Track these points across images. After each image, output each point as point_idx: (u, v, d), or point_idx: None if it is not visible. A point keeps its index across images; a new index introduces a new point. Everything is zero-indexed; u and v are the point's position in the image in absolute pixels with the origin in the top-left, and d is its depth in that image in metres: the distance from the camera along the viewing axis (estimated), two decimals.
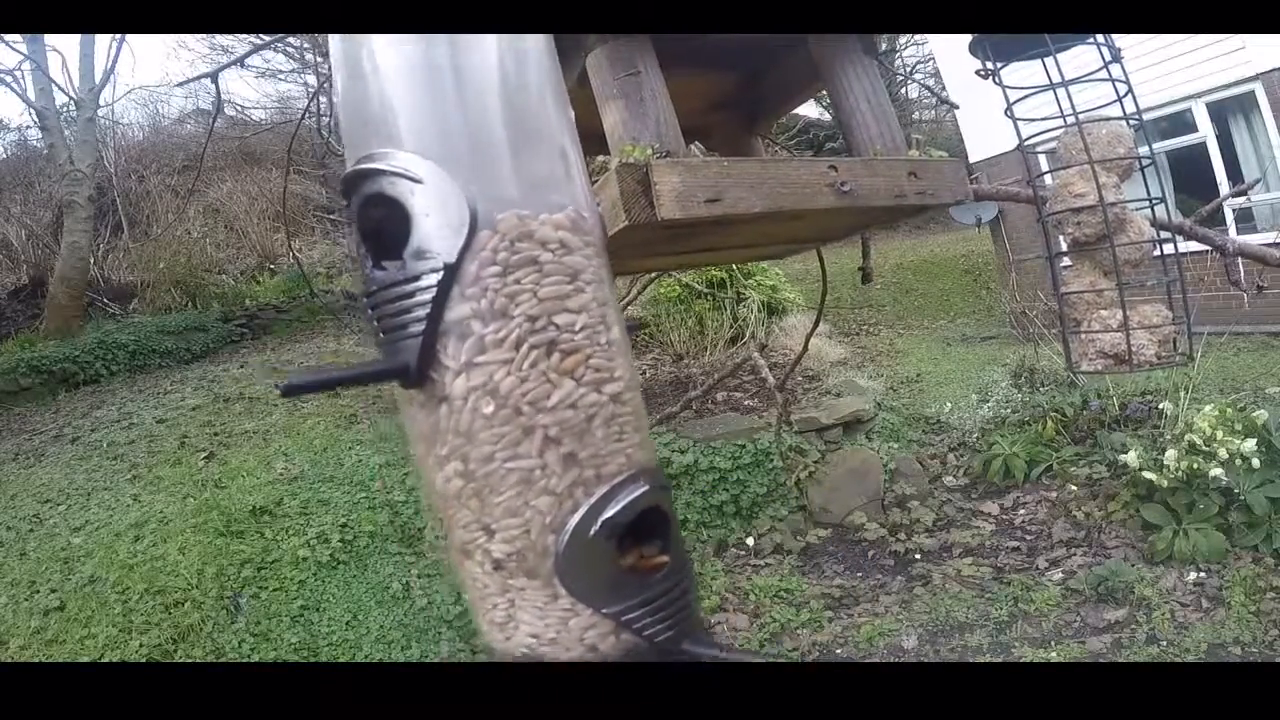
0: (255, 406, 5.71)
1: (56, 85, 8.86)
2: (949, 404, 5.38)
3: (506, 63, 0.48)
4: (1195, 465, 3.31)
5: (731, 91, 1.01)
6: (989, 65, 1.03)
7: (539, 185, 0.47)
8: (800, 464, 4.39)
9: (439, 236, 0.44)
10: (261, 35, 7.79)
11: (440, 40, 0.47)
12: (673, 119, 0.72)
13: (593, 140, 0.73)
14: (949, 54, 8.40)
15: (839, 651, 3.23)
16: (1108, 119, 1.04)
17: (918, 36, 12.39)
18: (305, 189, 11.59)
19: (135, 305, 9.06)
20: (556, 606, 0.46)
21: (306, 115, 3.11)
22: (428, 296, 0.44)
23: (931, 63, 12.06)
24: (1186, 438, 3.38)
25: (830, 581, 3.79)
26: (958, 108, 7.32)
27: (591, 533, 0.46)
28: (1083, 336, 1.05)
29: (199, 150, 11.02)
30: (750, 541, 4.12)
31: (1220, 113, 6.91)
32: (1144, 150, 1.05)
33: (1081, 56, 1.02)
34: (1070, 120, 1.00)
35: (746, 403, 5.24)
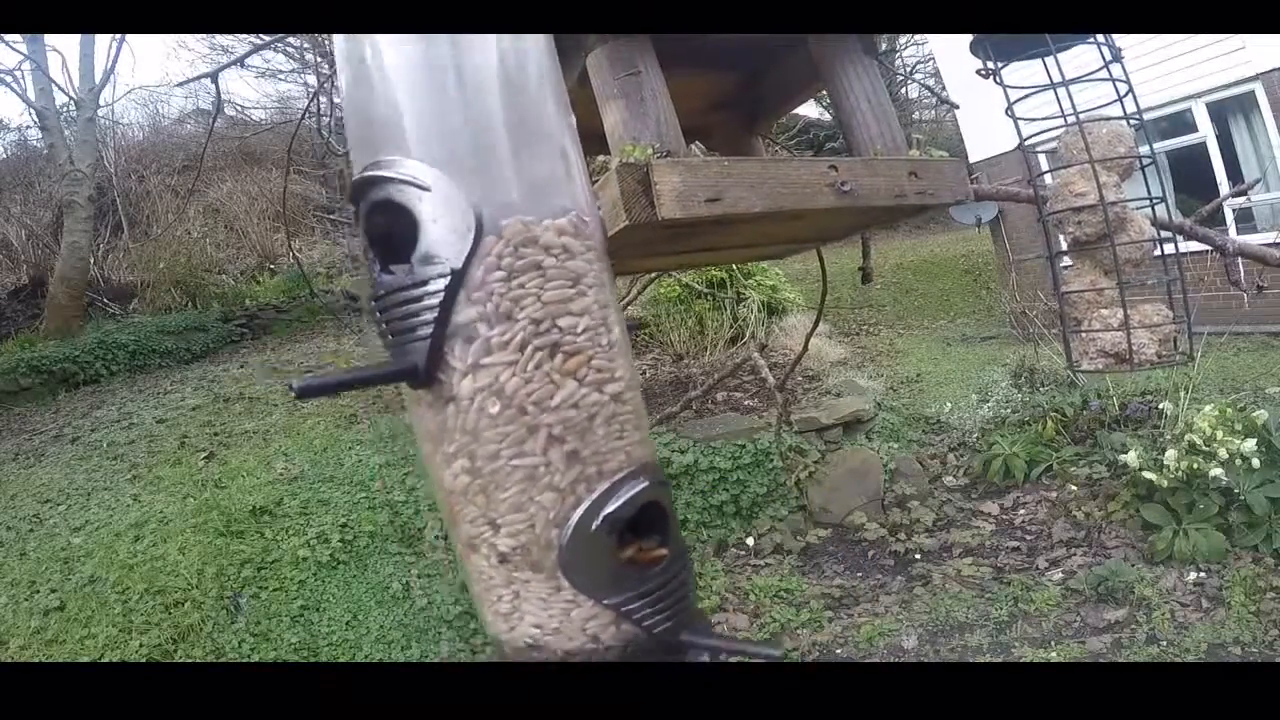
0: (255, 406, 5.71)
1: (56, 85, 8.87)
2: (949, 404, 5.38)
3: (507, 62, 0.49)
4: (1195, 465, 3.31)
5: (732, 91, 1.01)
6: (990, 65, 1.03)
7: (540, 186, 0.48)
8: (800, 464, 4.39)
9: (446, 242, 0.45)
10: (261, 35, 7.78)
11: (442, 41, 0.47)
12: (673, 119, 0.72)
13: (593, 140, 0.73)
14: (949, 54, 8.40)
15: (839, 651, 3.23)
16: (1108, 118, 1.04)
17: (918, 36, 12.39)
18: (305, 189, 11.58)
19: (135, 305, 9.06)
20: (559, 598, 0.48)
21: (306, 115, 3.10)
22: (435, 300, 0.45)
23: (931, 63, 12.06)
24: (1186, 438, 3.38)
25: (830, 581, 3.79)
26: (958, 107, 7.32)
27: (593, 527, 0.47)
28: (1083, 335, 1.05)
29: (199, 150, 11.02)
30: (750, 541, 4.12)
31: (1220, 113, 6.91)
32: (1144, 150, 1.05)
33: (1082, 56, 1.02)
34: (1071, 120, 1.00)
35: (746, 403, 5.24)
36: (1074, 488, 4.00)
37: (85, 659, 2.97)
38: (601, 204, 0.67)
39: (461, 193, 0.45)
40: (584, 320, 0.48)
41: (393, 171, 0.46)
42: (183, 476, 4.34)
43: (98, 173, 9.22)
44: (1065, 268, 1.13)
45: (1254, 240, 2.87)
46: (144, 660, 2.98)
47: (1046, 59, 0.99)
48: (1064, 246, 1.07)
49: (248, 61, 14.19)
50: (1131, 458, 3.52)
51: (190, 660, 3.03)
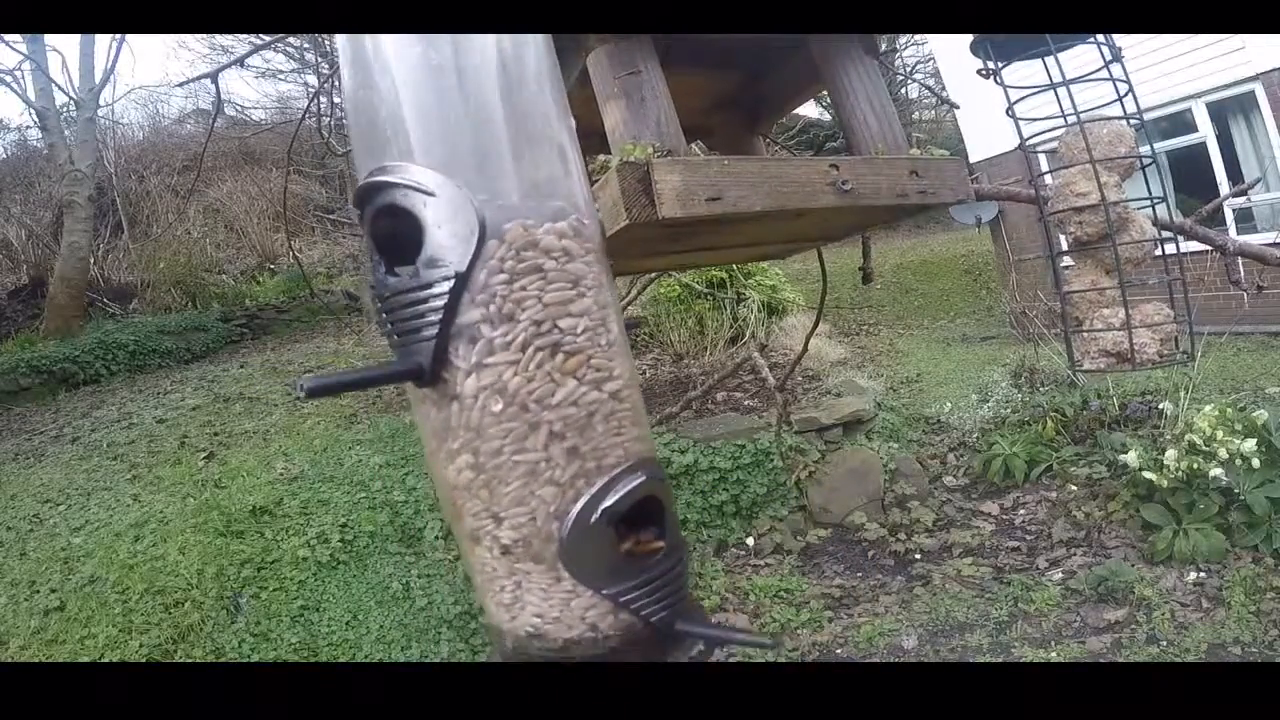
0: (255, 406, 5.72)
1: (56, 85, 8.88)
2: (949, 404, 5.38)
3: (507, 63, 0.49)
4: (1195, 465, 3.31)
5: (732, 91, 1.01)
6: (990, 65, 1.03)
7: (540, 186, 0.50)
8: (800, 464, 4.39)
9: (450, 246, 0.47)
10: (261, 35, 7.79)
11: (443, 41, 0.48)
12: (674, 118, 0.72)
13: (593, 139, 0.72)
14: (949, 54, 8.40)
15: (839, 651, 3.23)
16: (1109, 118, 1.04)
17: (918, 36, 12.39)
18: (305, 189, 11.59)
19: (135, 305, 9.06)
20: (560, 588, 0.49)
21: (306, 115, 3.11)
22: (440, 303, 0.46)
23: (931, 63, 12.06)
24: (1186, 438, 3.38)
25: (830, 581, 3.79)
26: (958, 108, 7.32)
27: (592, 520, 0.49)
28: (1085, 335, 1.05)
29: (199, 150, 11.03)
30: (750, 541, 4.12)
31: (1220, 113, 6.91)
32: (1145, 149, 1.05)
33: (1082, 56, 1.02)
34: (1071, 120, 1.00)
35: (746, 403, 5.24)
36: (1074, 488, 4.00)
37: (85, 659, 2.97)
38: (602, 203, 0.67)
39: (465, 198, 0.47)
40: (583, 321, 0.49)
41: (398, 177, 0.47)
42: (183, 476, 4.34)
43: (98, 173, 9.22)
44: (1066, 268, 1.13)
45: (1254, 240, 2.86)
46: (144, 660, 2.98)
47: (1047, 59, 0.99)
48: (1064, 246, 1.07)
49: (248, 61, 14.20)
50: (1131, 458, 3.52)
51: (190, 660, 3.03)
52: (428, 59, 0.48)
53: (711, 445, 4.30)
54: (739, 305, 6.49)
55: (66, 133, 9.17)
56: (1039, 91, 1.03)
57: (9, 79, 8.80)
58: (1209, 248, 1.38)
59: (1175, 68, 6.42)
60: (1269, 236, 5.40)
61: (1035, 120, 1.06)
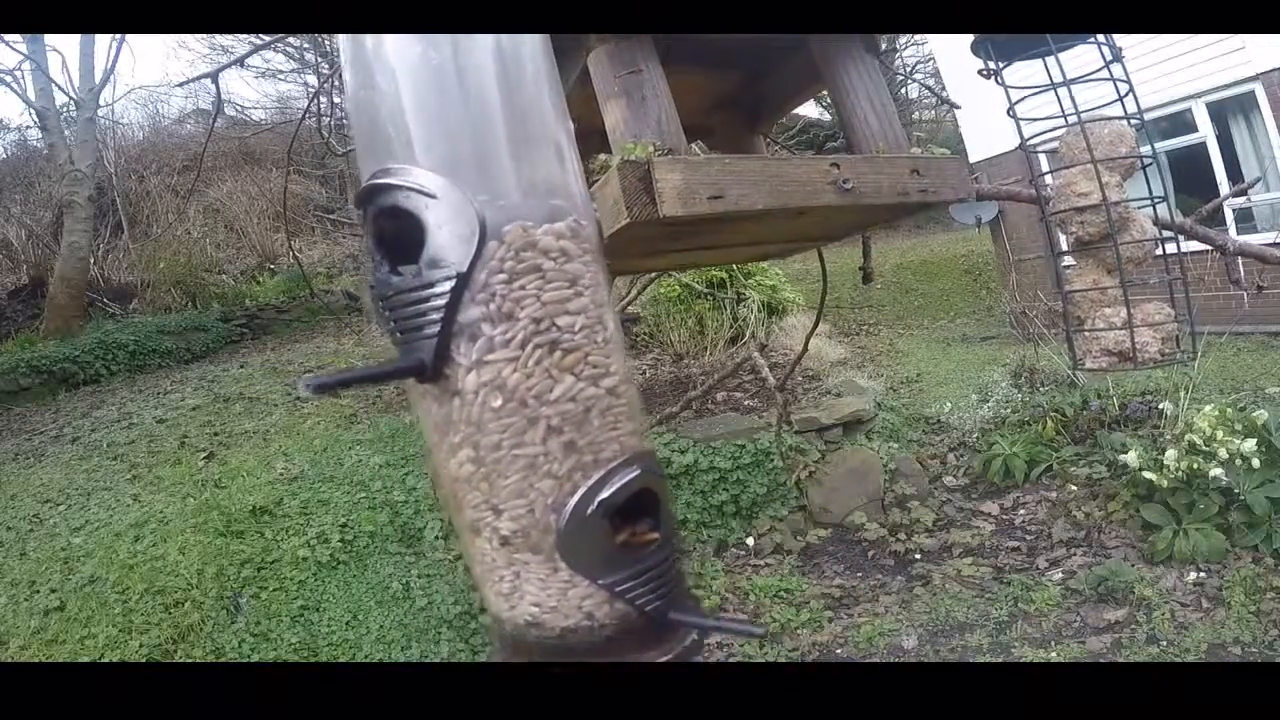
0: (255, 406, 5.72)
1: (56, 85, 8.88)
2: (949, 404, 5.38)
3: (506, 63, 0.50)
4: (1195, 465, 3.31)
5: (733, 91, 1.01)
6: (991, 65, 1.03)
7: (538, 186, 0.51)
8: (800, 464, 4.39)
9: (451, 247, 0.48)
10: (261, 35, 7.78)
11: (444, 41, 0.49)
12: (674, 117, 0.72)
13: (594, 139, 0.72)
14: (949, 54, 8.40)
15: (839, 651, 3.23)
16: (1109, 118, 1.04)
17: (918, 36, 12.39)
18: (305, 189, 11.59)
19: (135, 305, 9.06)
20: (557, 578, 0.51)
21: (306, 115, 3.11)
22: (442, 301, 0.48)
23: (931, 63, 12.06)
24: (1186, 438, 3.38)
25: (830, 581, 3.79)
26: (959, 108, 7.32)
27: (589, 512, 0.50)
28: (1087, 334, 1.05)
29: (199, 150, 11.03)
30: (750, 541, 4.12)
31: (1220, 113, 6.91)
32: (1145, 149, 1.05)
33: (1082, 56, 1.02)
34: (1072, 120, 1.00)
35: (746, 403, 5.24)
36: (1074, 488, 4.00)
37: (85, 659, 2.97)
38: (603, 202, 0.67)
39: (466, 200, 0.48)
40: (581, 319, 0.51)
41: (400, 179, 0.48)
42: (183, 476, 4.34)
43: (98, 173, 9.22)
44: (1068, 267, 1.13)
45: (1254, 240, 2.87)
46: (144, 660, 2.98)
47: (1047, 59, 0.99)
48: (1066, 246, 1.07)
49: (248, 61, 14.20)
50: (1131, 458, 3.52)
51: (190, 660, 3.03)
52: (428, 59, 0.49)
53: (711, 445, 4.30)
54: (739, 305, 6.49)
55: (66, 133, 9.17)
56: (1040, 91, 1.03)
57: (9, 79, 8.81)
58: (1209, 248, 1.38)
59: (1175, 68, 6.42)
60: (1269, 236, 5.41)
61: (1036, 120, 1.06)
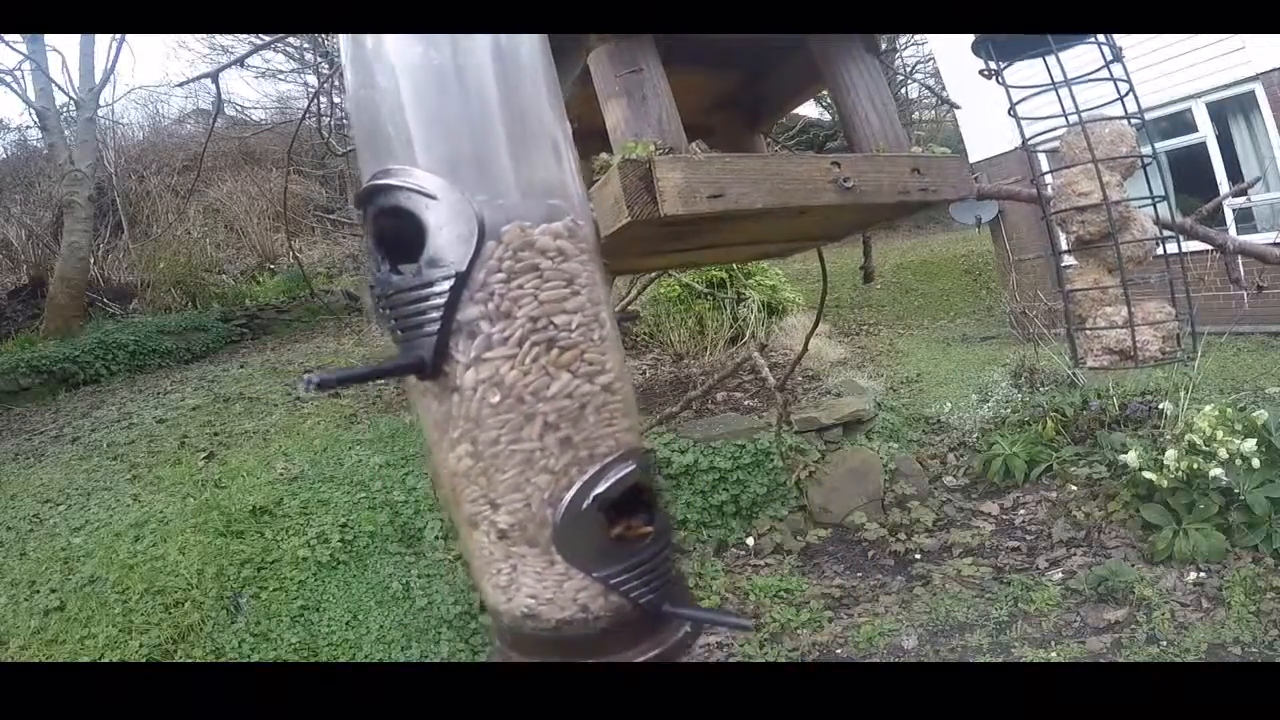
0: (255, 406, 5.72)
1: (56, 85, 8.87)
2: (949, 404, 5.38)
3: (505, 64, 0.50)
4: (1195, 465, 3.31)
5: (733, 90, 1.01)
6: (992, 65, 1.03)
7: (536, 186, 0.51)
8: (800, 464, 4.39)
9: (450, 247, 0.49)
10: (261, 35, 7.78)
11: (443, 41, 0.49)
12: (675, 116, 0.72)
13: (594, 139, 0.72)
14: (949, 54, 8.40)
15: (839, 651, 3.23)
16: (1110, 118, 1.04)
17: (918, 36, 12.39)
18: (305, 189, 11.59)
19: (135, 305, 9.06)
20: (553, 571, 0.52)
21: (306, 115, 3.10)
22: (441, 300, 0.49)
23: (931, 63, 12.05)
24: (1186, 438, 3.38)
25: (830, 581, 3.79)
26: (959, 108, 7.32)
27: (584, 506, 0.51)
28: (1088, 333, 1.05)
29: (199, 150, 11.03)
30: (750, 541, 4.12)
31: (1220, 113, 6.91)
32: (1146, 149, 1.05)
33: (1083, 56, 1.02)
34: (1073, 119, 1.00)
35: (746, 403, 5.24)
36: (1074, 488, 4.00)
37: (85, 659, 2.97)
38: (604, 201, 0.67)
39: (465, 201, 0.49)
40: (577, 318, 0.52)
41: (401, 180, 0.49)
42: (183, 476, 4.34)
43: (98, 173, 9.22)
44: (1069, 266, 1.13)
45: (1254, 240, 2.86)
46: (144, 660, 2.98)
47: (1048, 59, 0.99)
48: (1066, 245, 1.07)
49: (248, 61, 14.20)
50: (1131, 458, 3.52)
51: (190, 660, 3.03)
52: (428, 59, 0.49)
53: (711, 445, 4.30)
54: (739, 305, 6.49)
55: (66, 133, 9.17)
56: (1040, 91, 1.03)
57: (9, 79, 8.81)
58: (1210, 247, 1.38)
59: (1175, 68, 6.42)
60: (1269, 236, 5.40)
61: (1037, 120, 1.06)
